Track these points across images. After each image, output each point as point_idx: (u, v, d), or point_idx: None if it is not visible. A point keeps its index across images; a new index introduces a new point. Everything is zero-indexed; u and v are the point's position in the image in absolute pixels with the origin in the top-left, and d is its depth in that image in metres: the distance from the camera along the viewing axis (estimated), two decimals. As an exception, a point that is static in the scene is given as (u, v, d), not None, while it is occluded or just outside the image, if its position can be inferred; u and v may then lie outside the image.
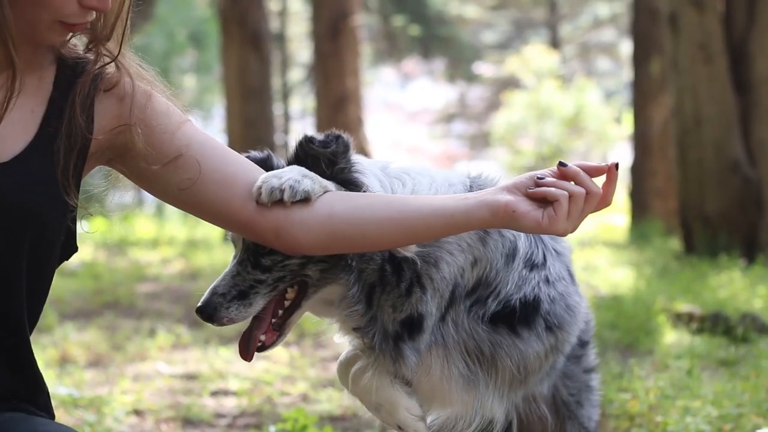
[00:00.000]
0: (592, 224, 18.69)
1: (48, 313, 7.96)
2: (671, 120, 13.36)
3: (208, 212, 2.72)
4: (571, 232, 2.63)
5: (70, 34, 2.62)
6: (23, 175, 2.52)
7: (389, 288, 2.82)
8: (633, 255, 13.56)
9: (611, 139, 28.03)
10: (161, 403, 5.76)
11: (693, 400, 5.24)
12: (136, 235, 15.36)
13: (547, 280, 3.06)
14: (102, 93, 2.64)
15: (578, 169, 2.62)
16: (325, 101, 19.02)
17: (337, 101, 18.73)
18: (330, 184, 2.68)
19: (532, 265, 3.03)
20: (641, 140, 17.47)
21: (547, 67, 28.87)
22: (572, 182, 2.61)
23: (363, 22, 22.51)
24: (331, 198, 2.65)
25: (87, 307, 9.18)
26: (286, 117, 33.43)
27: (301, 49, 35.16)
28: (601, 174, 2.65)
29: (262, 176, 2.62)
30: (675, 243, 13.96)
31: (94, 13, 2.57)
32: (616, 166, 2.65)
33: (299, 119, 35.16)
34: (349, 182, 2.78)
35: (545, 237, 3.11)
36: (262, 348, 2.89)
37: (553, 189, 2.58)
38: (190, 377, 6.42)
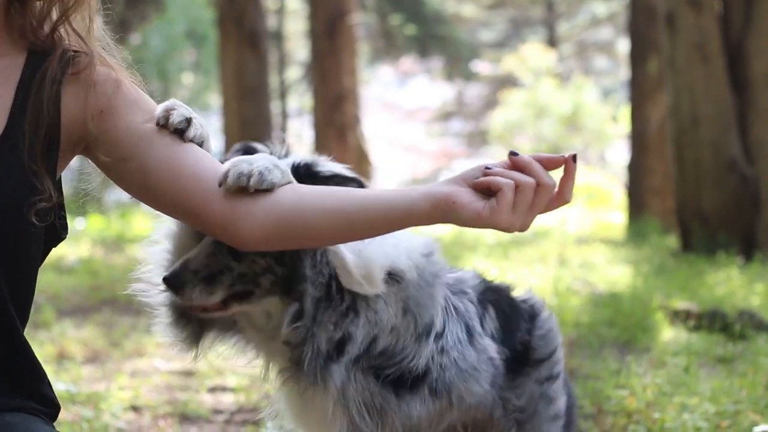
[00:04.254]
0: (590, 222, 18.71)
1: (45, 310, 7.96)
2: (668, 119, 13.37)
3: (160, 204, 2.65)
4: (520, 229, 2.40)
5: (32, 14, 2.62)
6: None
7: (334, 305, 2.78)
8: (630, 253, 13.56)
9: (608, 138, 28.09)
10: (159, 399, 5.76)
11: (690, 397, 5.24)
12: (134, 232, 15.34)
13: (442, 350, 2.97)
14: (70, 78, 2.60)
15: (530, 159, 2.39)
16: (323, 100, 19.03)
17: (335, 100, 18.74)
18: (291, 178, 2.60)
19: (436, 336, 2.96)
20: (638, 139, 17.49)
21: (545, 65, 28.93)
22: (523, 173, 2.40)
23: (360, 20, 22.52)
24: (282, 189, 2.54)
25: (84, 303, 9.17)
26: (284, 115, 33.44)
27: (298, 47, 35.18)
28: (558, 166, 2.41)
29: (233, 159, 2.55)
30: (672, 241, 13.97)
31: None
32: (574, 158, 2.40)
33: (296, 118, 35.19)
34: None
35: (449, 295, 3.03)
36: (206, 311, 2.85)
37: (498, 178, 2.38)
38: (188, 373, 6.42)
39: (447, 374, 2.98)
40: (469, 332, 3.06)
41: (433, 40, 32.92)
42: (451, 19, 34.98)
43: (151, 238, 2.99)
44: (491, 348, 3.10)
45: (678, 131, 12.73)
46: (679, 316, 7.83)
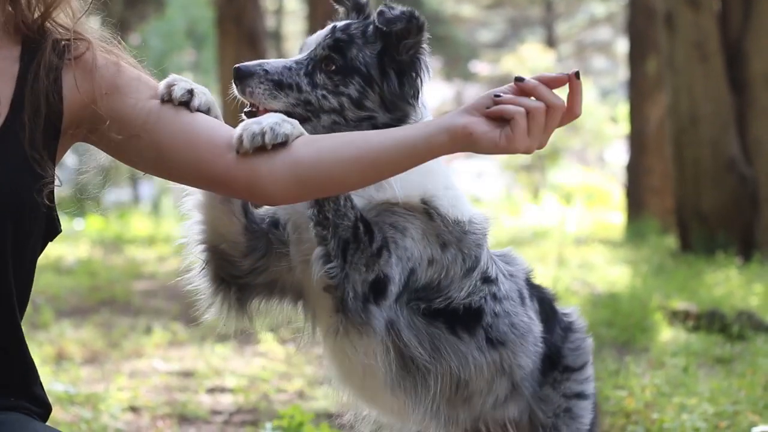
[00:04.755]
0: (589, 222, 18.72)
1: (44, 311, 7.96)
2: (667, 118, 13.38)
3: (179, 176, 2.69)
4: (538, 148, 2.52)
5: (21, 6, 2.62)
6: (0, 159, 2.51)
7: (363, 246, 2.80)
8: (629, 253, 13.57)
9: (607, 138, 28.10)
10: (157, 399, 5.76)
11: (689, 398, 5.25)
12: (132, 233, 15.35)
13: (495, 296, 3.02)
14: (68, 65, 2.62)
15: (536, 82, 2.50)
16: (322, 99, 19.02)
17: (334, 99, 18.74)
18: (303, 130, 2.65)
19: (484, 278, 3.00)
20: (637, 138, 17.49)
21: (543, 65, 28.88)
22: (531, 97, 2.50)
23: (359, 20, 22.54)
24: (295, 145, 2.58)
25: (83, 304, 9.18)
26: (283, 115, 33.40)
27: (297, 47, 35.15)
28: (562, 84, 2.52)
29: (241, 124, 2.60)
30: (671, 241, 13.97)
31: None
32: (577, 74, 2.52)
33: (295, 117, 35.16)
34: (410, 61, 2.91)
35: (498, 261, 3.09)
36: (250, 113, 2.88)
37: (509, 106, 2.47)
38: (186, 374, 6.42)
39: (500, 323, 3.03)
40: (521, 296, 3.12)
41: (432, 40, 32.39)
42: (450, 20, 35.00)
43: (182, 212, 3.01)
44: (538, 325, 3.15)
45: (677, 131, 12.73)
46: (677, 317, 7.84)
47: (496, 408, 3.14)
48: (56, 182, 2.58)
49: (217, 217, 2.94)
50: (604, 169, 30.80)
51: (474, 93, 37.73)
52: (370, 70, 2.89)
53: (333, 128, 2.85)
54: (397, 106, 2.89)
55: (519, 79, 2.51)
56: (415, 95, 2.92)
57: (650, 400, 5.25)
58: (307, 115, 2.86)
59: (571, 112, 2.53)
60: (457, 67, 35.49)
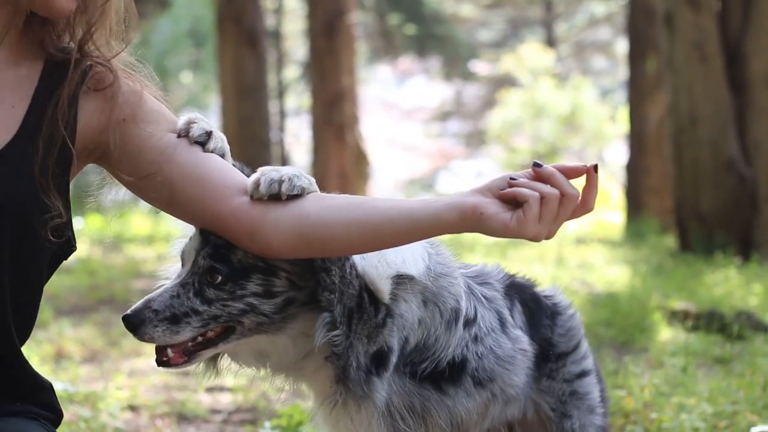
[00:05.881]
0: (588, 222, 18.71)
1: (43, 309, 7.96)
2: (667, 118, 13.38)
3: (183, 212, 2.67)
4: (546, 237, 2.48)
5: (52, 26, 2.61)
6: (2, 175, 2.49)
7: (367, 317, 2.75)
8: (628, 252, 13.57)
9: (607, 138, 28.08)
10: (156, 398, 5.75)
11: (688, 398, 5.25)
12: (132, 232, 15.35)
13: (476, 338, 2.97)
14: (89, 92, 2.61)
15: (553, 170, 2.47)
16: (321, 99, 19.01)
17: (333, 99, 18.72)
18: (317, 188, 2.62)
19: (465, 323, 2.95)
20: (637, 138, 17.50)
21: (543, 65, 28.91)
22: (547, 184, 2.47)
23: (358, 20, 22.53)
24: (305, 199, 2.56)
25: (82, 303, 9.18)
26: (282, 115, 33.40)
27: (296, 46, 35.14)
28: (579, 176, 2.50)
29: (260, 169, 2.58)
30: (670, 241, 13.98)
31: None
32: (595, 168, 2.50)
33: (295, 117, 35.14)
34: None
35: (474, 286, 3.05)
36: (166, 364, 2.77)
37: (524, 189, 2.44)
38: (185, 373, 6.40)
39: (486, 362, 2.99)
40: (502, 321, 3.08)
41: (432, 40, 32.90)
42: (450, 19, 34.96)
43: (161, 276, 2.98)
44: (524, 340, 3.12)
45: (676, 131, 12.74)
46: (676, 317, 7.84)
47: (493, 421, 3.15)
48: (63, 216, 2.55)
49: None
50: (604, 169, 30.79)
51: (473, 92, 37.77)
52: (271, 262, 2.67)
53: (259, 328, 2.73)
54: (307, 276, 2.72)
55: (537, 165, 2.49)
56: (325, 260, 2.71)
57: (649, 400, 5.25)
58: (228, 325, 2.73)
59: (584, 205, 2.51)
60: (456, 67, 35.45)
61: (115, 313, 8.52)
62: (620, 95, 32.37)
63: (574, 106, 27.17)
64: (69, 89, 2.58)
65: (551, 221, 2.46)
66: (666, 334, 7.53)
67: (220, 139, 2.68)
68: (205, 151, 2.64)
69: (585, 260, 12.36)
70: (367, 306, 2.75)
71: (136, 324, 2.69)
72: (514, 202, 2.46)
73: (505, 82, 31.88)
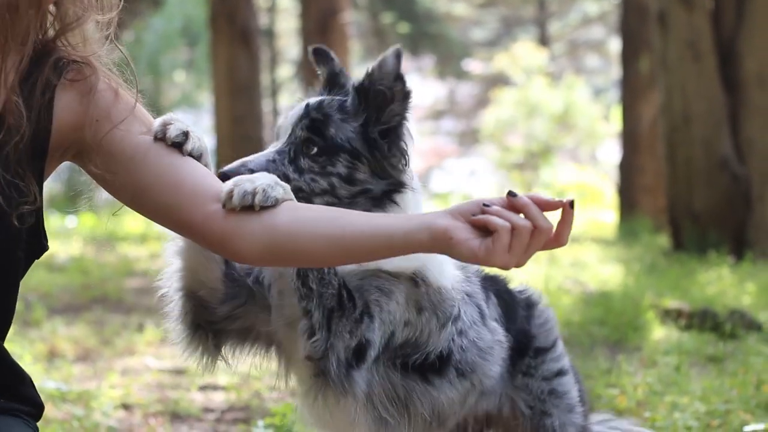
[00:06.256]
0: (582, 221, 18.72)
1: (36, 308, 7.95)
2: (660, 117, 13.39)
3: (154, 215, 2.65)
4: (516, 266, 2.45)
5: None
6: None
7: (347, 313, 2.78)
8: (622, 252, 13.58)
9: (600, 136, 28.09)
10: (149, 397, 5.75)
11: (681, 396, 5.25)
12: (125, 230, 15.32)
13: (460, 332, 3.02)
14: (65, 85, 2.60)
15: (528, 201, 2.41)
16: (315, 98, 18.98)
17: (327, 98, 18.69)
18: (293, 195, 2.62)
19: (454, 319, 3.01)
20: (630, 137, 17.50)
21: (536, 64, 28.91)
22: (521, 214, 2.42)
23: (352, 19, 22.51)
24: (278, 208, 2.54)
25: (75, 301, 9.16)
26: (275, 113, 33.38)
27: (290, 45, 35.15)
28: (555, 209, 2.43)
29: (233, 179, 2.55)
30: (663, 240, 13.99)
31: None
32: (571, 204, 2.43)
33: (288, 116, 35.10)
34: (395, 131, 2.91)
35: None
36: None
37: (495, 218, 2.39)
38: (179, 372, 6.41)
39: (469, 354, 3.05)
40: (482, 314, 3.12)
41: (425, 39, 32.92)
42: (443, 18, 34.99)
43: (165, 260, 3.00)
44: (500, 331, 3.17)
45: (670, 129, 12.74)
46: (670, 315, 7.84)
47: (468, 411, 3.19)
48: (36, 202, 2.55)
49: (198, 263, 2.93)
50: (597, 168, 30.80)
51: (467, 91, 37.78)
52: (354, 145, 2.86)
53: None
54: (389, 173, 2.88)
55: (511, 194, 2.43)
56: (405, 160, 2.93)
57: (642, 399, 5.26)
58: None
59: (557, 239, 2.45)
60: (449, 66, 35.46)
61: (108, 311, 8.51)
62: (613, 94, 32.42)
63: (567, 105, 27.17)
64: (42, 78, 2.57)
65: (521, 252, 2.42)
66: (659, 332, 7.53)
67: (197, 139, 2.65)
68: (183, 152, 2.61)
69: (578, 259, 12.37)
70: (346, 303, 2.79)
71: (230, 178, 2.69)
72: (484, 230, 2.41)
73: (499, 80, 31.88)
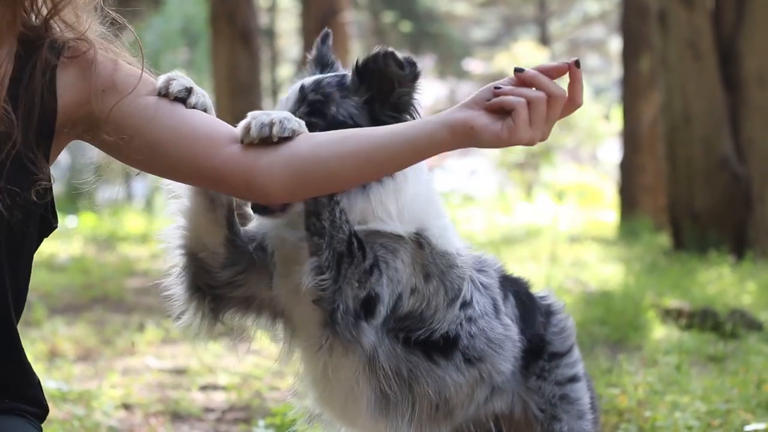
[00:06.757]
0: (582, 220, 18.73)
1: (37, 308, 7.95)
2: (660, 117, 13.39)
3: (174, 171, 2.66)
4: (541, 139, 2.48)
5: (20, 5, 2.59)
6: None
7: (356, 261, 2.77)
8: (622, 251, 13.58)
9: (600, 136, 28.11)
10: (150, 397, 5.75)
11: (682, 396, 5.25)
12: (126, 230, 15.33)
13: (470, 319, 3.01)
14: (65, 63, 2.61)
15: (535, 72, 2.47)
16: (315, 97, 18.98)
17: (327, 97, 18.69)
18: (306, 130, 2.62)
19: (463, 304, 3.00)
20: (630, 137, 17.49)
21: (537, 63, 28.89)
22: (532, 88, 2.47)
23: (352, 18, 22.51)
24: (294, 140, 2.56)
25: (76, 301, 9.17)
26: (275, 113, 33.34)
27: (290, 45, 35.15)
28: (562, 74, 2.49)
29: (250, 114, 2.58)
30: (664, 239, 13.98)
31: None
32: (577, 63, 2.48)
33: (288, 115, 35.10)
34: (405, 106, 2.84)
35: (473, 273, 3.07)
36: (264, 211, 2.86)
37: (509, 97, 2.44)
38: (179, 372, 6.41)
39: (477, 342, 3.02)
40: (496, 307, 3.11)
41: (426, 38, 32.93)
42: (444, 17, 35.00)
43: (167, 216, 3.01)
44: (514, 329, 3.15)
45: (670, 129, 12.74)
46: (670, 315, 7.84)
47: (478, 410, 3.16)
48: (51, 180, 2.56)
49: (201, 224, 2.93)
50: (597, 168, 30.80)
51: (467, 91, 37.74)
52: (358, 121, 2.83)
53: None
54: None
55: (518, 70, 2.48)
56: None
57: (643, 399, 5.25)
58: None
59: (572, 102, 2.50)
60: (450, 65, 35.47)
61: (109, 311, 8.52)
62: (614, 93, 32.43)
63: (567, 104, 27.14)
64: (41, 60, 2.58)
65: (542, 123, 2.45)
66: (660, 332, 7.53)
67: (201, 95, 2.67)
68: (187, 106, 2.63)
69: (579, 258, 12.37)
70: (356, 251, 2.77)
71: None
72: (502, 111, 2.45)
73: (499, 79, 31.85)
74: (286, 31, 34.92)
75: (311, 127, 2.71)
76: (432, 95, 38.17)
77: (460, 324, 2.99)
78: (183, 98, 2.64)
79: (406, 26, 32.14)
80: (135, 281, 10.52)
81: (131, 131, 2.59)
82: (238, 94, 17.24)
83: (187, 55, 31.05)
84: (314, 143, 2.54)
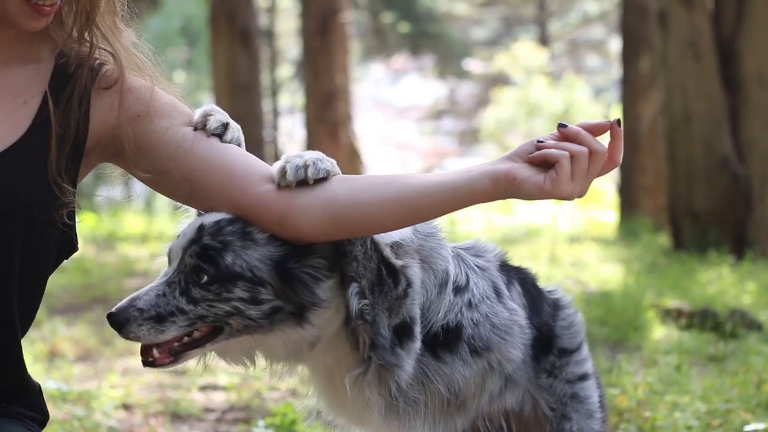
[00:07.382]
0: (582, 220, 18.73)
1: (36, 308, 7.94)
2: (660, 117, 13.39)
3: (207, 204, 2.65)
4: (579, 195, 2.53)
5: (45, 18, 2.56)
6: (13, 168, 2.49)
7: (387, 289, 2.72)
8: (622, 251, 13.58)
9: (600, 136, 28.10)
10: (150, 397, 5.75)
11: (681, 396, 5.25)
12: (125, 230, 15.32)
13: (470, 304, 2.94)
14: (100, 90, 2.61)
15: (579, 128, 2.52)
16: (314, 98, 19.00)
17: (326, 98, 18.72)
18: (339, 170, 2.62)
19: (456, 289, 2.93)
20: (630, 137, 17.47)
21: (537, 63, 28.94)
22: (574, 143, 2.51)
23: (352, 18, 22.52)
24: (331, 182, 2.56)
25: (76, 301, 9.17)
26: (275, 113, 33.39)
27: (290, 45, 35.15)
28: (604, 131, 2.55)
29: (283, 156, 2.59)
30: (664, 239, 13.99)
31: None
32: (618, 122, 2.55)
33: (288, 115, 35.15)
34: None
35: (467, 256, 3.03)
36: (152, 364, 2.72)
37: (553, 150, 2.49)
38: (179, 372, 6.40)
39: (482, 330, 2.96)
40: (497, 290, 3.06)
41: (426, 38, 32.93)
42: (444, 17, 35.00)
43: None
44: (521, 314, 3.09)
45: (670, 129, 12.74)
46: (670, 315, 7.84)
47: (492, 402, 3.11)
48: (75, 204, 2.57)
49: None
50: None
51: (467, 91, 37.78)
52: (258, 274, 2.62)
53: (247, 330, 2.67)
54: (292, 294, 2.67)
55: (562, 125, 2.54)
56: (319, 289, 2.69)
57: (643, 399, 5.25)
58: (216, 326, 2.67)
59: (611, 159, 2.56)
60: (450, 65, 35.50)
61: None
62: (614, 94, 32.40)
63: (567, 104, 27.19)
64: (79, 87, 2.59)
65: (583, 178, 2.50)
66: (659, 332, 7.54)
67: (236, 129, 2.69)
68: (223, 142, 2.65)
69: (578, 258, 12.37)
70: (386, 278, 2.73)
71: (120, 322, 2.62)
72: (544, 165, 2.49)
73: (499, 80, 31.91)
74: (285, 31, 34.92)
75: (199, 272, 2.61)
76: (432, 95, 38.20)
77: (461, 311, 2.93)
78: (219, 134, 2.66)
79: (405, 26, 32.15)
80: (135, 281, 10.51)
81: (165, 163, 2.61)
82: (238, 94, 17.25)
83: (186, 55, 31.06)
84: (354, 187, 2.56)
